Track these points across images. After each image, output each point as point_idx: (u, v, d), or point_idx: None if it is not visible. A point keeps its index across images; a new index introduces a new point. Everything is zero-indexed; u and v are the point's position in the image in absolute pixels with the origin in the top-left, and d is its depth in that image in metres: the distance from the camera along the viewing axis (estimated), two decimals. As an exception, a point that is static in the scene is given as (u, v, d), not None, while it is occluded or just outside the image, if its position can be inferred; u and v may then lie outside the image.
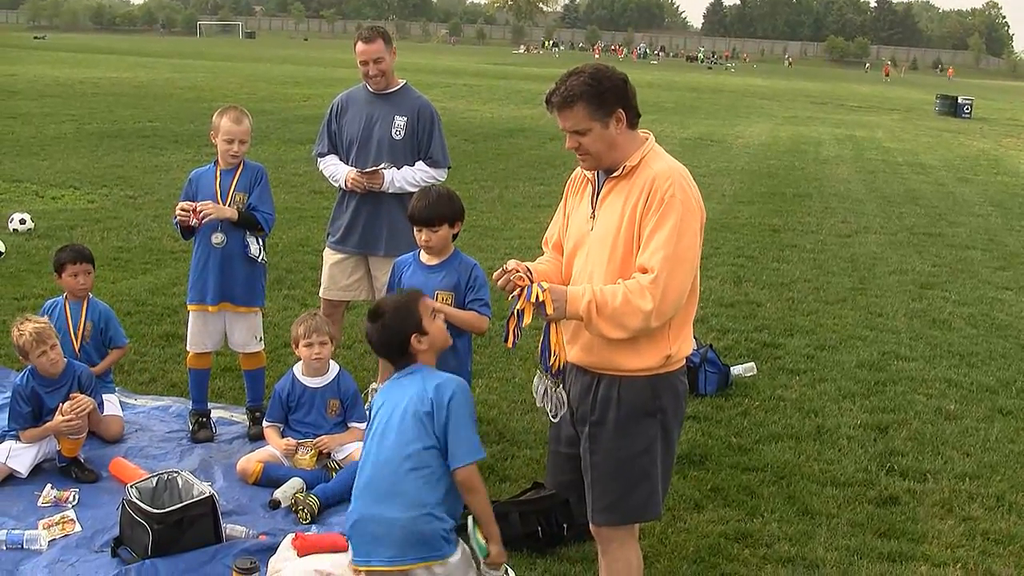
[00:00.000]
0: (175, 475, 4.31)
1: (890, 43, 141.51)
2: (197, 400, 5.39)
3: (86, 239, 9.15)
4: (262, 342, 5.41)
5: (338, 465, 4.80)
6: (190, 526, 4.04)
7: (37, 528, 4.21)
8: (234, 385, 5.93)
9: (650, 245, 3.07)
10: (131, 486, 4.18)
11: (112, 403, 5.31)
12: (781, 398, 6.24)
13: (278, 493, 4.59)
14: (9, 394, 4.95)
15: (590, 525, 3.43)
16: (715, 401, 6.10)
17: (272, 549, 4.03)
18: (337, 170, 5.51)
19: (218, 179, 5.09)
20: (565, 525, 4.21)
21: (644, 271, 3.07)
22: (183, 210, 4.94)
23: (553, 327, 3.22)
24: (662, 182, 3.10)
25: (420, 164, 5.44)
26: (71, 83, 28.83)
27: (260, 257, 5.15)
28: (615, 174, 3.21)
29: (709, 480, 4.99)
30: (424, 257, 4.46)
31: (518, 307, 3.09)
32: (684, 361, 3.34)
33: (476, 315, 4.37)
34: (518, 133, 21.77)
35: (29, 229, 9.54)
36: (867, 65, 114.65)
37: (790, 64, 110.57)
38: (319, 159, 5.66)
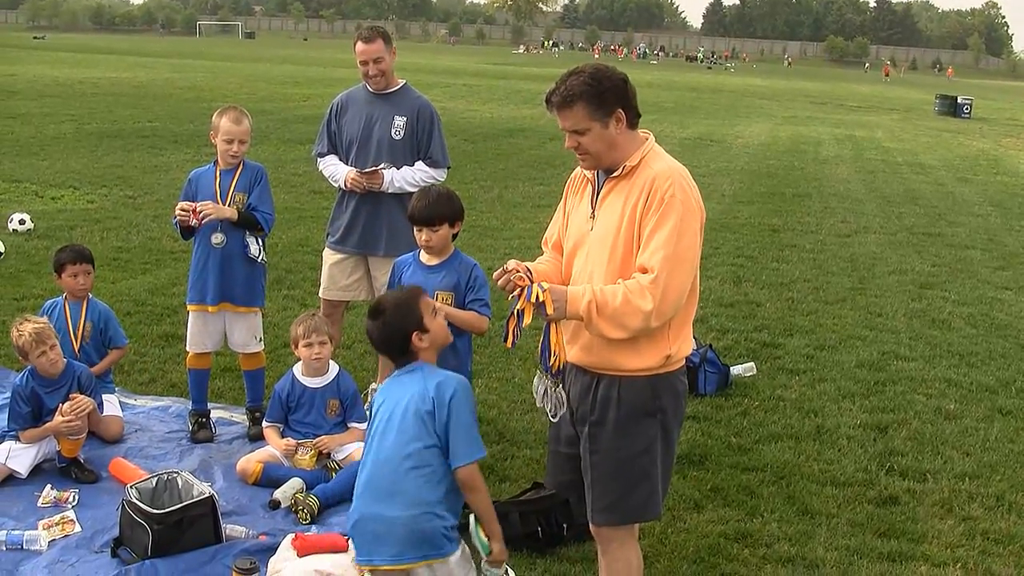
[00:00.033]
0: (175, 475, 4.31)
1: (889, 43, 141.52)
2: (197, 400, 5.39)
3: (86, 239, 9.15)
4: (262, 342, 5.41)
5: (338, 465, 4.80)
6: (190, 526, 4.04)
7: (37, 528, 4.21)
8: (234, 385, 5.93)
9: (650, 245, 3.07)
10: (131, 486, 4.18)
11: (112, 403, 5.31)
12: (781, 398, 6.24)
13: (278, 493, 4.59)
14: (9, 394, 4.95)
15: (590, 525, 3.44)
16: (715, 401, 6.10)
17: (272, 549, 4.03)
18: (337, 170, 5.51)
19: (218, 179, 5.09)
20: (565, 525, 4.21)
21: (644, 271, 3.07)
22: (183, 210, 4.94)
23: (553, 327, 3.21)
24: (662, 182, 3.10)
25: (420, 164, 5.44)
26: (71, 83, 28.83)
27: (260, 257, 5.15)
28: (615, 174, 3.21)
29: (709, 480, 4.99)
30: (424, 257, 4.46)
31: (518, 307, 3.09)
32: (684, 361, 3.34)
33: (476, 315, 4.37)
34: (518, 133, 21.77)
35: (29, 229, 9.54)
36: (867, 65, 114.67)
37: (789, 64, 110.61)
38: (319, 159, 5.66)
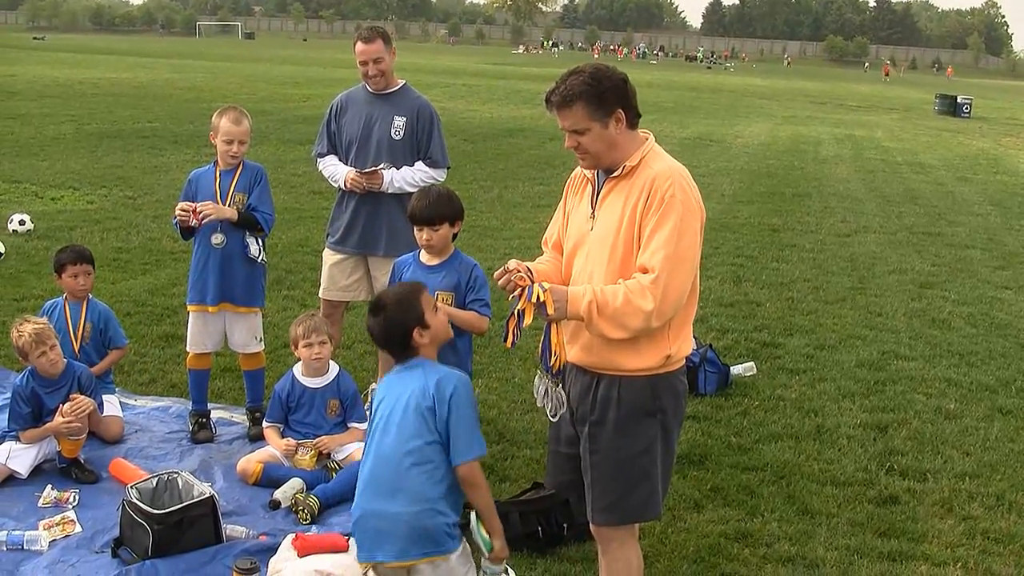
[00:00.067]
0: (175, 476, 4.32)
1: (889, 43, 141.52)
2: (197, 401, 5.39)
3: (86, 240, 9.16)
4: (262, 342, 5.41)
5: (338, 465, 4.80)
6: (190, 527, 4.04)
7: (37, 529, 4.21)
8: (234, 386, 5.93)
9: (651, 245, 3.07)
10: (131, 487, 4.18)
11: (112, 404, 5.31)
12: (781, 398, 6.24)
13: (278, 493, 4.59)
14: (9, 395, 4.96)
15: (590, 525, 3.44)
16: (715, 401, 6.10)
17: (272, 549, 4.04)
18: (336, 170, 5.51)
19: (218, 179, 5.09)
20: (565, 525, 4.21)
21: (645, 271, 3.07)
22: (183, 210, 4.94)
23: (554, 327, 3.22)
24: (662, 182, 3.10)
25: (419, 164, 5.44)
26: (70, 84, 28.83)
27: (260, 257, 5.15)
28: (615, 174, 3.21)
29: (709, 480, 4.99)
30: (424, 257, 4.46)
31: (519, 307, 3.09)
32: (684, 361, 3.34)
33: (476, 315, 4.37)
34: (517, 133, 21.77)
35: (29, 230, 9.54)
36: (866, 65, 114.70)
37: (789, 64, 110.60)
38: (318, 159, 5.66)
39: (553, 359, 3.23)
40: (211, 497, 4.15)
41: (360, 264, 5.59)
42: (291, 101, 26.65)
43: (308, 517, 4.41)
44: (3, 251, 8.55)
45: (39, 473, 4.74)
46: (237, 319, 5.25)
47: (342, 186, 5.47)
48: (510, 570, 3.92)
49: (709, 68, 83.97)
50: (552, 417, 3.40)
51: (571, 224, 3.40)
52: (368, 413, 3.60)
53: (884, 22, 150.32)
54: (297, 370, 5.02)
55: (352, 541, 3.72)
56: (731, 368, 6.45)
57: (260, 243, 5.14)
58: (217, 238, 5.05)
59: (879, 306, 8.61)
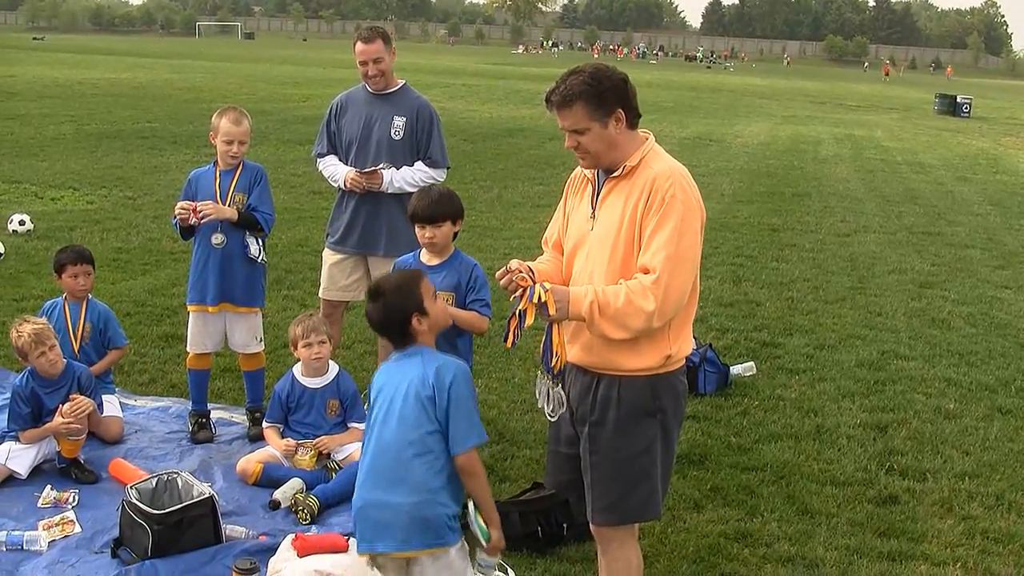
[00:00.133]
0: (175, 476, 4.32)
1: (889, 42, 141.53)
2: (197, 401, 5.39)
3: (85, 240, 9.16)
4: (262, 343, 5.41)
5: (338, 465, 4.80)
6: (190, 527, 4.04)
7: (37, 529, 4.21)
8: (234, 386, 5.93)
9: (651, 245, 3.07)
10: (131, 487, 4.18)
11: (112, 404, 5.31)
12: (780, 398, 6.24)
13: (278, 494, 4.59)
14: (9, 395, 4.95)
15: (590, 525, 3.44)
16: (714, 401, 6.10)
17: (272, 549, 4.04)
18: (336, 170, 5.51)
19: (217, 179, 5.09)
20: (565, 525, 4.21)
21: (646, 271, 3.07)
22: (183, 208, 4.94)
23: (555, 327, 3.21)
24: (663, 182, 3.10)
25: (419, 164, 5.44)
26: (70, 84, 28.83)
27: (260, 257, 5.15)
28: (615, 174, 3.21)
29: (709, 480, 4.99)
30: (425, 257, 4.46)
31: (520, 307, 3.09)
32: (684, 361, 3.34)
33: (476, 315, 4.37)
34: (517, 133, 21.77)
35: (28, 230, 9.54)
36: (866, 64, 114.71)
37: (788, 63, 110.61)
38: (318, 159, 5.66)
39: (554, 359, 3.23)
40: (211, 497, 4.15)
41: (360, 264, 5.59)
42: (291, 101, 26.65)
43: (308, 517, 4.41)
44: (3, 251, 8.55)
45: (39, 473, 4.74)
46: (237, 319, 5.24)
47: (342, 186, 5.47)
48: (510, 571, 3.92)
49: (709, 68, 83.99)
50: (551, 417, 3.40)
51: (571, 224, 3.40)
52: (365, 397, 3.57)
53: (884, 22, 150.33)
54: (297, 370, 5.02)
55: (352, 541, 3.72)
56: (731, 368, 6.45)
57: (260, 243, 5.14)
58: (217, 238, 5.05)
59: (879, 306, 8.61)
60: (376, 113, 5.43)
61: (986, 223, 13.32)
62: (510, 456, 5.13)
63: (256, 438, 5.20)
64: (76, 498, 4.52)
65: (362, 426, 4.75)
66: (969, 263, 10.60)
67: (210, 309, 5.17)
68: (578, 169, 3.40)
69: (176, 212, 4.98)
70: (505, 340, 3.20)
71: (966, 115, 36.64)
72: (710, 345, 6.47)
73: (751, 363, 6.67)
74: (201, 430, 5.29)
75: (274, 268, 8.25)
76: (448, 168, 5.59)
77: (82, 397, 4.75)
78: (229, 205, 5.02)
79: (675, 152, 3.72)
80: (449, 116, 22.70)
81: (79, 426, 4.68)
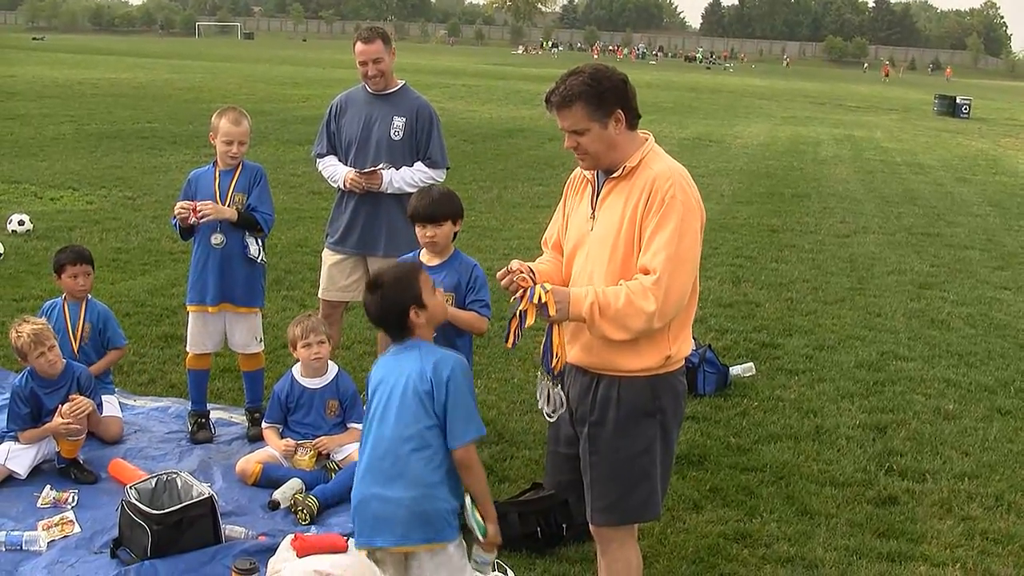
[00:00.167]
0: (174, 476, 4.32)
1: (888, 43, 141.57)
2: (196, 401, 5.39)
3: (85, 240, 9.16)
4: (262, 343, 5.41)
5: (337, 466, 4.80)
6: (189, 527, 4.04)
7: (36, 529, 4.21)
8: (233, 386, 5.93)
9: (652, 246, 3.08)
10: (130, 487, 4.18)
11: (111, 404, 5.31)
12: (780, 398, 6.24)
13: (277, 494, 4.59)
14: (8, 395, 4.95)
15: (589, 525, 3.44)
16: (714, 401, 6.10)
17: (271, 550, 4.03)
18: (336, 171, 5.52)
19: (217, 180, 5.09)
20: (564, 525, 4.21)
21: (646, 272, 3.07)
22: (182, 207, 4.94)
23: (556, 328, 3.21)
24: (662, 183, 3.11)
25: (419, 165, 5.44)
26: (70, 84, 28.82)
27: (259, 257, 5.15)
28: (615, 175, 3.21)
29: (708, 480, 4.99)
30: (425, 257, 4.46)
31: (521, 308, 3.09)
32: (683, 361, 3.35)
33: (476, 316, 4.38)
34: (517, 133, 21.77)
35: (28, 230, 9.54)
36: (865, 65, 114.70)
37: (788, 64, 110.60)
38: (318, 160, 5.66)
39: (554, 360, 3.23)
40: (210, 497, 4.15)
41: (359, 264, 5.59)
42: (290, 101, 26.65)
43: (307, 517, 4.41)
44: (3, 251, 8.55)
45: (38, 473, 4.74)
46: (237, 319, 5.24)
47: (341, 186, 5.47)
48: (509, 571, 3.93)
49: (708, 69, 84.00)
50: (551, 418, 3.40)
51: (571, 225, 3.41)
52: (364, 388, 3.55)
53: (883, 22, 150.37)
54: (296, 371, 5.02)
55: (351, 541, 3.72)
56: (730, 369, 6.46)
57: (260, 243, 5.14)
58: (217, 238, 5.05)
59: (878, 307, 8.61)
60: (376, 113, 5.43)
61: (985, 224, 13.33)
62: (509, 456, 5.13)
63: (255, 438, 5.20)
64: (75, 498, 4.52)
65: (361, 426, 4.76)
66: (968, 264, 10.61)
67: (210, 309, 5.17)
68: (577, 170, 3.40)
69: (176, 212, 4.98)
70: (506, 341, 3.20)
71: (965, 116, 36.65)
72: (709, 346, 6.47)
73: (750, 364, 6.67)
74: (200, 430, 5.29)
75: (274, 268, 8.24)
76: (448, 169, 5.60)
77: (81, 397, 4.75)
78: (229, 205, 5.02)
79: (674, 153, 3.72)
80: (449, 116, 22.70)
81: (78, 426, 4.68)
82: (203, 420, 5.35)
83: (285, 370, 5.23)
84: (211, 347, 5.32)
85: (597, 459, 3.31)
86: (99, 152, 15.59)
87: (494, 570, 3.83)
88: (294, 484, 4.64)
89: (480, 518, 3.22)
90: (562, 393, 3.34)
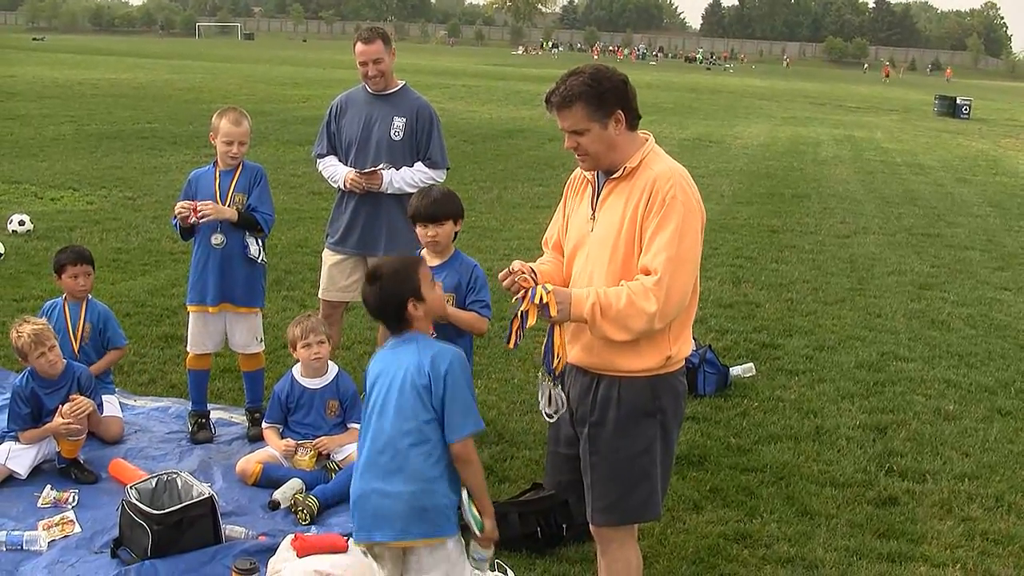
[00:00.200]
0: (174, 476, 4.32)
1: (888, 44, 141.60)
2: (196, 401, 5.39)
3: (85, 240, 9.16)
4: (262, 343, 5.42)
5: (337, 466, 4.80)
6: (190, 527, 4.04)
7: (37, 529, 4.21)
8: (233, 386, 5.93)
9: (652, 247, 3.08)
10: (130, 487, 4.18)
11: (112, 404, 5.31)
12: (780, 399, 6.24)
13: (277, 494, 4.59)
14: (8, 395, 4.95)
15: (589, 525, 3.44)
16: (714, 402, 6.10)
17: (272, 550, 4.04)
18: (336, 171, 5.52)
19: (217, 180, 5.10)
20: (564, 525, 4.21)
21: (647, 273, 3.07)
22: (183, 207, 4.94)
23: (557, 329, 3.22)
24: (663, 183, 3.11)
25: (419, 165, 5.44)
26: (70, 84, 28.83)
27: (260, 258, 5.15)
28: (615, 175, 3.22)
29: (708, 481, 4.99)
30: (425, 257, 4.46)
31: (522, 308, 3.09)
32: (684, 362, 3.35)
33: (476, 316, 4.38)
34: (517, 134, 21.77)
35: (28, 230, 9.54)
36: (865, 66, 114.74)
37: (788, 65, 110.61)
38: (318, 160, 5.67)
39: (555, 361, 3.23)
40: (210, 497, 4.15)
41: (360, 264, 5.59)
42: (290, 102, 26.66)
43: (307, 517, 4.41)
44: (3, 251, 8.55)
45: (38, 473, 4.74)
46: (237, 319, 5.25)
47: (342, 186, 5.47)
48: (509, 571, 3.93)
49: (708, 69, 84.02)
50: (550, 419, 3.40)
51: (571, 225, 3.41)
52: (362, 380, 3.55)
53: (883, 23, 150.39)
54: (296, 371, 5.02)
55: (351, 541, 3.72)
56: (730, 369, 6.46)
57: (260, 243, 5.14)
58: (217, 238, 5.05)
59: (878, 307, 8.61)
60: (376, 114, 5.43)
61: (986, 225, 13.33)
62: (509, 457, 5.13)
63: (256, 438, 5.20)
64: (76, 498, 4.52)
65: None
66: (969, 264, 10.61)
67: (210, 309, 5.17)
68: (578, 170, 3.40)
69: (176, 212, 4.98)
70: (507, 341, 3.21)
71: (966, 117, 36.66)
72: (709, 346, 6.47)
73: (750, 364, 6.67)
74: (201, 430, 5.29)
75: (274, 269, 8.25)
76: (448, 169, 5.60)
77: (82, 397, 4.76)
78: (229, 205, 5.03)
79: (675, 153, 3.72)
80: (449, 117, 22.69)
81: (79, 426, 4.68)
82: (203, 420, 5.35)
83: (285, 370, 5.23)
84: (211, 347, 5.32)
85: (597, 459, 3.31)
86: (99, 152, 15.59)
87: (494, 570, 3.83)
88: (294, 484, 4.64)
89: (477, 513, 3.22)
90: (562, 393, 3.34)
